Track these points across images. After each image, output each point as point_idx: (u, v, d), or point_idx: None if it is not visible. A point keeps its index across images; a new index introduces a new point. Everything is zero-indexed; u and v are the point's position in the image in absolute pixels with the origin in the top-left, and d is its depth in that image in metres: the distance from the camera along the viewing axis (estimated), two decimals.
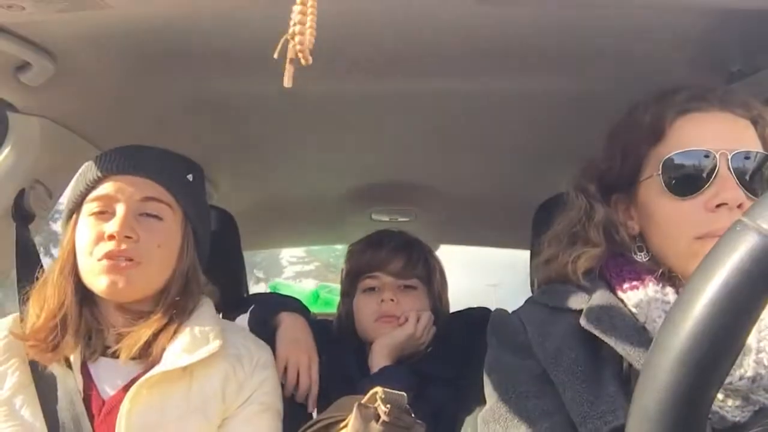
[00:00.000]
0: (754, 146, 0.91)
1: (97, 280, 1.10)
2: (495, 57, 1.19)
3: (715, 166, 0.88)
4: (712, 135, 0.91)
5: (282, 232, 2.78)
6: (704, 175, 0.88)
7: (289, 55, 0.70)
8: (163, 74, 1.27)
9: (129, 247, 1.10)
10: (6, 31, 1.03)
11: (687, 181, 0.90)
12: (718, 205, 0.86)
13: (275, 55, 0.71)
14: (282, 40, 0.70)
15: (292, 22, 0.69)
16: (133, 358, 1.11)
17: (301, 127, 1.62)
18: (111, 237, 1.09)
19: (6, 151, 1.29)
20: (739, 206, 0.85)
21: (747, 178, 0.88)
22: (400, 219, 2.39)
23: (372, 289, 1.57)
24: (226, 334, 1.17)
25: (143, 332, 1.10)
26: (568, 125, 1.49)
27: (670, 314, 0.54)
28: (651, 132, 0.95)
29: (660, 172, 0.92)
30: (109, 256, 1.09)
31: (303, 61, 0.70)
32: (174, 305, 1.14)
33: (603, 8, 1.01)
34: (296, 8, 0.69)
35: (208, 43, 1.15)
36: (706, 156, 0.89)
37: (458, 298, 1.74)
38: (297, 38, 0.69)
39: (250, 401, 1.15)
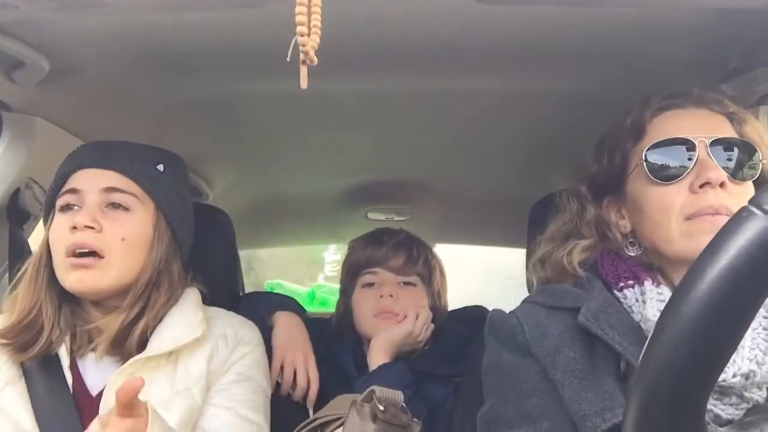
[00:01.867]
0: (732, 135, 0.94)
1: (64, 278, 1.11)
2: (493, 56, 1.19)
3: (695, 151, 0.91)
4: (689, 126, 0.94)
5: (278, 231, 2.78)
6: (685, 159, 0.92)
7: (301, 57, 0.70)
8: (158, 73, 1.27)
9: (91, 239, 1.10)
10: (0, 29, 1.03)
11: (669, 167, 0.93)
12: (701, 186, 0.89)
13: (288, 58, 0.71)
14: (293, 42, 0.70)
15: (297, 21, 0.69)
16: (115, 355, 1.11)
17: (297, 126, 1.61)
18: (74, 228, 1.10)
19: (0, 150, 1.29)
20: (722, 185, 0.89)
21: (726, 161, 0.91)
22: (396, 218, 2.39)
23: (371, 284, 1.57)
24: (212, 319, 1.18)
25: (112, 324, 1.11)
26: (566, 124, 1.49)
27: (674, 297, 0.54)
28: (633, 130, 0.99)
29: (643, 159, 0.95)
30: (73, 250, 1.09)
31: (308, 62, 0.70)
32: (142, 297, 1.14)
33: (600, 7, 1.01)
34: (298, 9, 0.69)
35: (205, 43, 1.15)
36: (686, 142, 0.92)
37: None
38: (300, 39, 0.69)
39: (229, 372, 1.16)
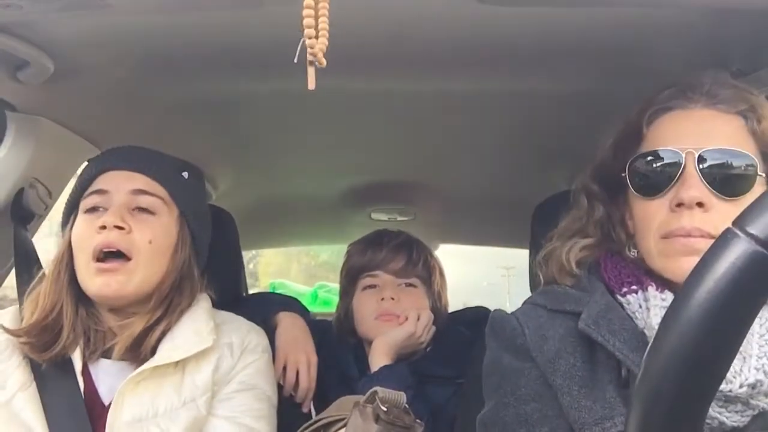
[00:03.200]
0: (734, 143, 0.87)
1: (89, 283, 1.11)
2: (495, 56, 1.19)
3: (681, 164, 0.86)
4: (684, 133, 0.89)
5: (281, 231, 2.78)
6: (669, 174, 0.87)
7: (309, 58, 0.70)
8: (162, 73, 1.27)
9: (120, 239, 1.10)
10: (4, 30, 1.03)
11: (653, 181, 0.89)
12: (678, 205, 0.85)
13: (295, 60, 0.71)
14: (300, 43, 0.70)
15: (304, 24, 0.69)
16: (129, 359, 1.11)
17: (300, 127, 1.61)
18: (102, 227, 1.10)
19: (4, 150, 1.29)
20: (699, 204, 0.84)
21: (715, 176, 0.85)
22: (399, 218, 2.39)
23: (372, 287, 1.57)
24: (221, 327, 1.18)
25: (135, 327, 1.11)
26: (568, 124, 1.49)
27: (663, 323, 0.54)
28: (634, 131, 0.95)
29: (626, 173, 0.92)
30: (100, 250, 1.09)
31: (318, 64, 0.70)
32: (165, 301, 1.14)
33: (602, 7, 1.01)
34: (306, 12, 0.69)
35: (207, 44, 1.15)
36: (672, 155, 0.87)
37: None
38: (309, 41, 0.69)
39: (232, 382, 1.15)
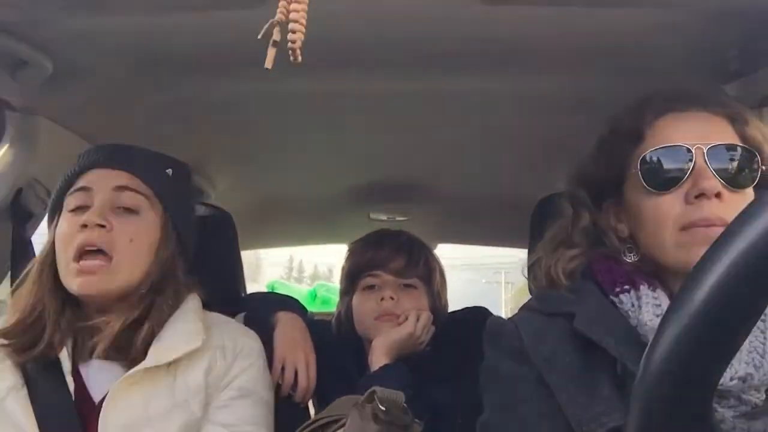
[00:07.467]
0: (732, 141, 0.92)
1: (70, 282, 1.10)
2: (494, 56, 1.19)
3: (692, 159, 0.90)
4: (688, 131, 0.93)
5: (280, 231, 2.78)
6: (681, 168, 0.90)
7: (273, 37, 0.70)
8: (160, 73, 1.27)
9: (101, 237, 1.09)
10: (4, 30, 1.03)
11: (665, 175, 0.92)
12: (697, 197, 0.88)
13: (259, 36, 0.71)
14: (267, 25, 0.70)
15: (278, 11, 0.69)
16: (119, 359, 1.10)
17: (299, 126, 1.62)
18: (84, 226, 1.09)
19: (3, 149, 1.29)
20: (718, 195, 0.87)
21: (724, 169, 0.90)
22: (398, 218, 2.39)
23: (372, 287, 1.57)
24: (212, 328, 1.17)
25: (113, 325, 1.09)
26: (567, 124, 1.49)
27: (689, 278, 0.53)
28: (632, 134, 0.97)
29: (638, 168, 0.94)
30: (81, 249, 1.09)
31: (294, 59, 0.70)
32: (144, 300, 1.13)
33: (602, 7, 1.01)
34: (293, 6, 0.69)
35: (206, 43, 1.15)
36: (682, 150, 0.91)
37: None
38: (291, 36, 0.69)
39: (229, 388, 1.14)
